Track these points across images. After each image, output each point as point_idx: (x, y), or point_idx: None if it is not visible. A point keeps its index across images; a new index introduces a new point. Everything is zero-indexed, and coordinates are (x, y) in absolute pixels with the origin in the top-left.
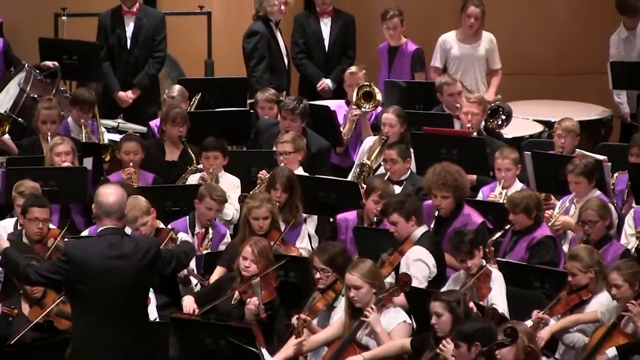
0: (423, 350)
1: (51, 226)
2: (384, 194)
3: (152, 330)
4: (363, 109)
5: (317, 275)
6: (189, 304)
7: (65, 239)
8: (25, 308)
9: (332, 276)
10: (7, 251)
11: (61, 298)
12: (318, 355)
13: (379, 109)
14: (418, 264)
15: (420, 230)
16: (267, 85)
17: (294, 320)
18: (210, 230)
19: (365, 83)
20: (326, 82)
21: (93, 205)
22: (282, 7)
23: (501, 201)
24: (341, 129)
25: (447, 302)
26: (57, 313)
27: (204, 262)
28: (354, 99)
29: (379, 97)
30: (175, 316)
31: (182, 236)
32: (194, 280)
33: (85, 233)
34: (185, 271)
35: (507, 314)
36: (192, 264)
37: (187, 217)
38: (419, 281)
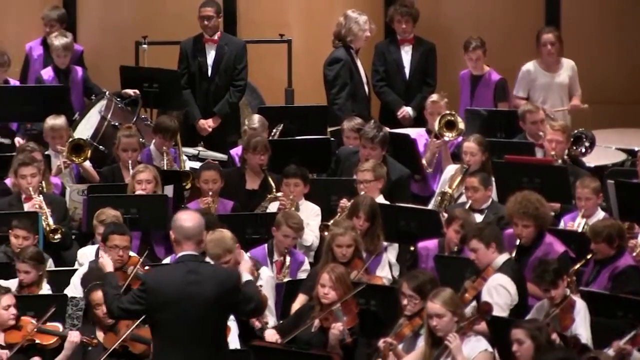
0: None
1: (131, 254)
2: (465, 224)
3: (232, 357)
4: (446, 138)
5: (404, 302)
6: (271, 335)
7: (146, 267)
8: (100, 335)
9: (420, 303)
10: (107, 278)
11: (136, 323)
12: None
13: (460, 137)
14: (500, 290)
15: (502, 258)
16: (349, 112)
17: (380, 343)
18: (288, 258)
19: (447, 112)
20: (407, 110)
21: (171, 232)
22: (368, 34)
23: (581, 230)
24: (422, 157)
25: (528, 329)
26: (132, 337)
27: (284, 290)
28: (436, 128)
29: (461, 126)
30: (256, 344)
31: (264, 271)
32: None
33: (166, 261)
34: (257, 324)
35: (590, 344)
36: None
37: (266, 245)
38: (501, 307)
